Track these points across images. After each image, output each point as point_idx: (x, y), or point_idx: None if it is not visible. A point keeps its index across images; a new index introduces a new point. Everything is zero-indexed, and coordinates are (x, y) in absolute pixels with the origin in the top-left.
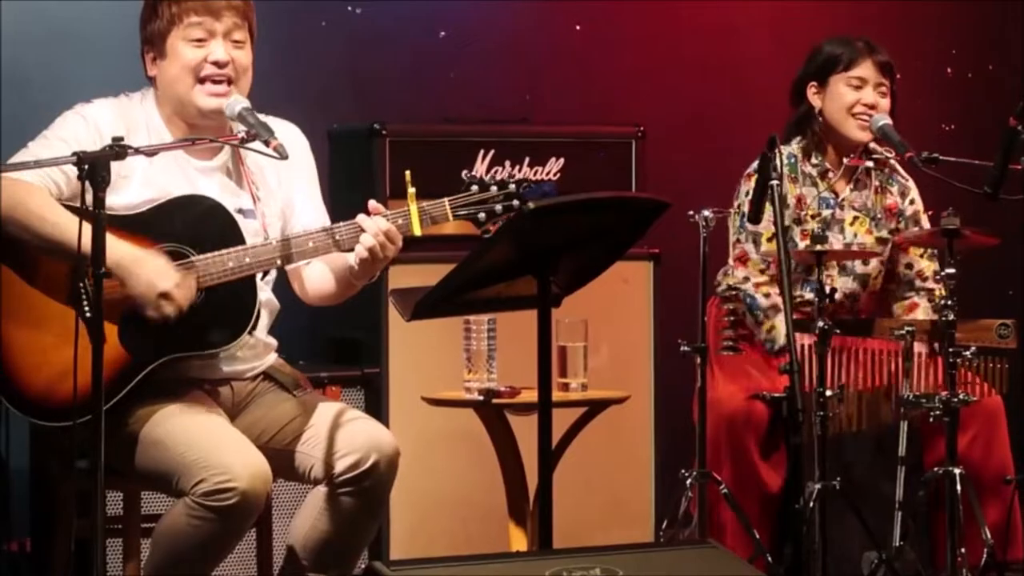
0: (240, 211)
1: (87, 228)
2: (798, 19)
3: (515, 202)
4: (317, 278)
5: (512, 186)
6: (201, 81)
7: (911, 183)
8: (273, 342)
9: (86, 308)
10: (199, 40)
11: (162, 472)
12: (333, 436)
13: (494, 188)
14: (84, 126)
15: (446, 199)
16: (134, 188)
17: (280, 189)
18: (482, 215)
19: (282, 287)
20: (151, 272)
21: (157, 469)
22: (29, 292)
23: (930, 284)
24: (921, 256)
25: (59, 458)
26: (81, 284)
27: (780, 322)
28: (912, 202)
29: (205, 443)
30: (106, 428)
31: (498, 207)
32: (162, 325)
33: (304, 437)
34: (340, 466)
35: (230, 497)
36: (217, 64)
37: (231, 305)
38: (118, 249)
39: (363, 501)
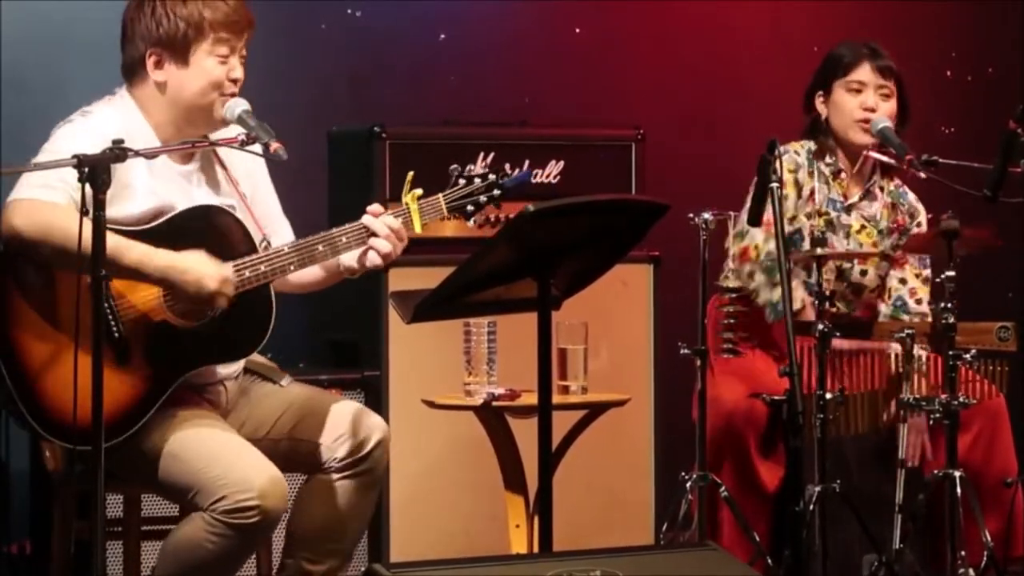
0: (227, 207)
1: (88, 230)
2: (798, 21)
3: (496, 192)
4: (303, 272)
5: (492, 176)
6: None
7: (920, 207)
8: None
9: (115, 329)
10: (224, 56)
11: (179, 486)
12: (327, 423)
13: (477, 180)
14: (89, 137)
15: (440, 195)
16: (139, 198)
17: (250, 186)
18: (470, 207)
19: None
20: (196, 274)
21: (174, 483)
22: (54, 314)
23: (924, 308)
24: (916, 276)
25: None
26: (107, 304)
27: (795, 286)
28: (919, 225)
29: (223, 458)
30: (121, 443)
31: (482, 198)
32: (190, 340)
33: (299, 427)
34: (339, 452)
35: (253, 515)
36: (235, 82)
37: (251, 311)
38: (158, 260)
39: (360, 485)
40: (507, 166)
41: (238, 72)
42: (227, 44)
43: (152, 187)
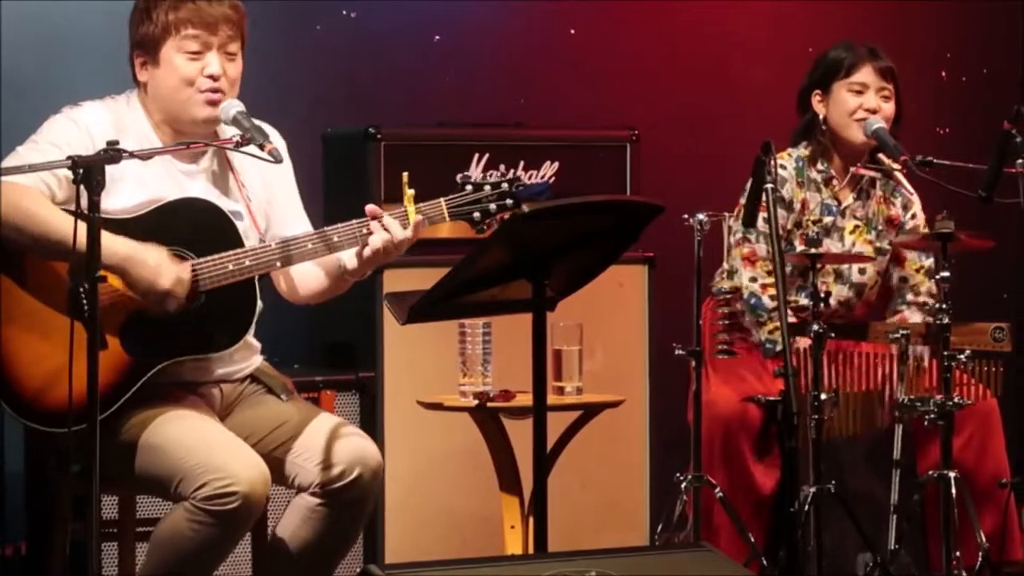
0: (229, 212)
1: (83, 230)
2: (794, 22)
3: (509, 200)
4: (307, 276)
5: (505, 185)
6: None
7: (915, 198)
8: (257, 344)
9: (86, 311)
10: (195, 53)
11: (161, 477)
12: (319, 447)
13: (488, 187)
14: (75, 130)
15: (442, 199)
16: (128, 190)
17: (264, 189)
18: (477, 214)
19: (268, 288)
20: (152, 269)
21: (156, 474)
22: (26, 295)
23: (923, 299)
24: (917, 271)
25: (55, 461)
26: (81, 288)
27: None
28: (913, 216)
29: (205, 447)
30: (101, 435)
31: (492, 206)
32: (165, 329)
33: (292, 445)
34: (324, 477)
35: (232, 501)
36: (212, 78)
37: (232, 306)
38: (117, 246)
39: (345, 513)
40: (505, 170)
41: (214, 68)
42: (197, 40)
43: (143, 179)
